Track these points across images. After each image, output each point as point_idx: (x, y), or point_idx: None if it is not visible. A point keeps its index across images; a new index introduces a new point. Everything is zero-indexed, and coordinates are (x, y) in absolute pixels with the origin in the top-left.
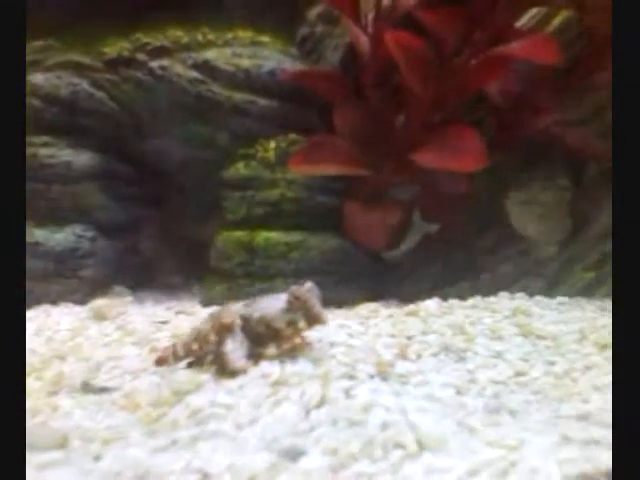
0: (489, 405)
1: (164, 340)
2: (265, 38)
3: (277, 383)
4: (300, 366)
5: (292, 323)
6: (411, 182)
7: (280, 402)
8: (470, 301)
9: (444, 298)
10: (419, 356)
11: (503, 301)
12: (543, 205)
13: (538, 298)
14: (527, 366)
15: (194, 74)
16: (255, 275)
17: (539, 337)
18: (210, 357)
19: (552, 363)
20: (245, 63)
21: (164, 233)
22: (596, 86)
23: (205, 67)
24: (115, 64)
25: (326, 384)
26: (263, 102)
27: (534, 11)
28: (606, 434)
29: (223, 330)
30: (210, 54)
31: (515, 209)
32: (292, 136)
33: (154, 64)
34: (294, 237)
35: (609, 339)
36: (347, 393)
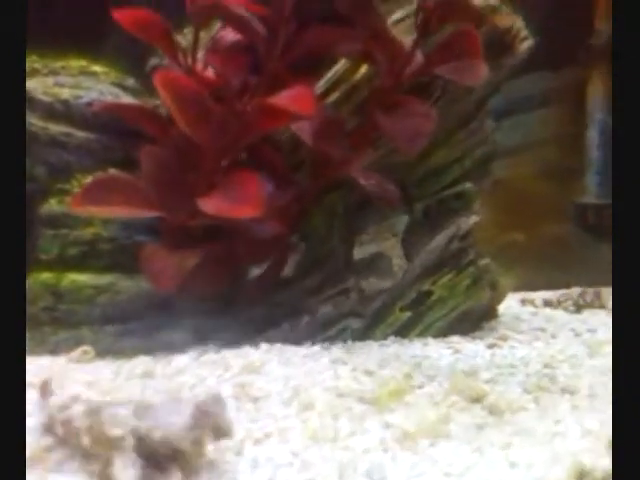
0: None
1: None
2: (98, 68)
3: None
4: None
5: (198, 442)
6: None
7: None
8: (223, 353)
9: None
10: None
11: (249, 353)
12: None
13: (286, 348)
14: None
15: None
16: (60, 321)
17: (254, 399)
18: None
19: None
20: (65, 93)
21: None
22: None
23: None
24: None
25: None
26: (81, 134)
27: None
28: None
29: (109, 445)
30: (30, 84)
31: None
32: (112, 170)
33: None
34: (103, 280)
35: (317, 398)
36: None
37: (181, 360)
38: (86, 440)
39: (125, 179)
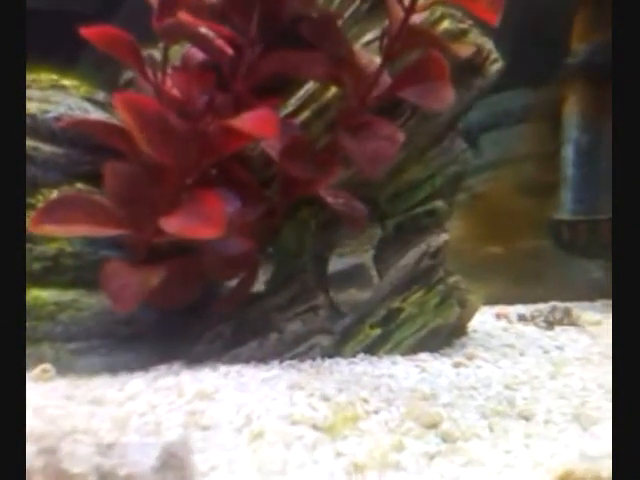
0: None
1: None
2: (68, 82)
3: None
4: None
5: None
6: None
7: None
8: (180, 377)
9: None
10: None
11: (206, 377)
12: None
13: (245, 371)
14: None
15: None
16: None
17: (204, 427)
18: None
19: None
20: (33, 108)
21: None
22: None
23: None
24: None
25: None
26: (47, 148)
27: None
28: None
29: None
30: None
31: None
32: (79, 185)
33: None
34: (66, 297)
35: (269, 427)
36: None
37: (136, 385)
38: None
39: (85, 197)
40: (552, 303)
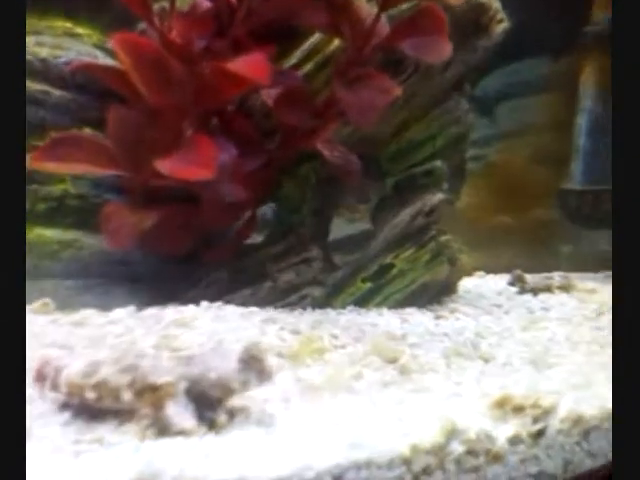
0: None
1: None
2: (81, 30)
3: None
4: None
5: (245, 384)
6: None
7: None
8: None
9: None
10: None
11: (187, 309)
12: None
13: (226, 307)
14: None
15: None
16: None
17: (174, 349)
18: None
19: None
20: (44, 52)
21: None
22: None
23: None
24: None
25: None
26: (58, 93)
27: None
28: None
29: (157, 394)
30: None
31: None
32: (86, 130)
33: None
34: (68, 236)
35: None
36: None
37: (119, 312)
38: (127, 395)
39: (87, 137)
40: (555, 273)
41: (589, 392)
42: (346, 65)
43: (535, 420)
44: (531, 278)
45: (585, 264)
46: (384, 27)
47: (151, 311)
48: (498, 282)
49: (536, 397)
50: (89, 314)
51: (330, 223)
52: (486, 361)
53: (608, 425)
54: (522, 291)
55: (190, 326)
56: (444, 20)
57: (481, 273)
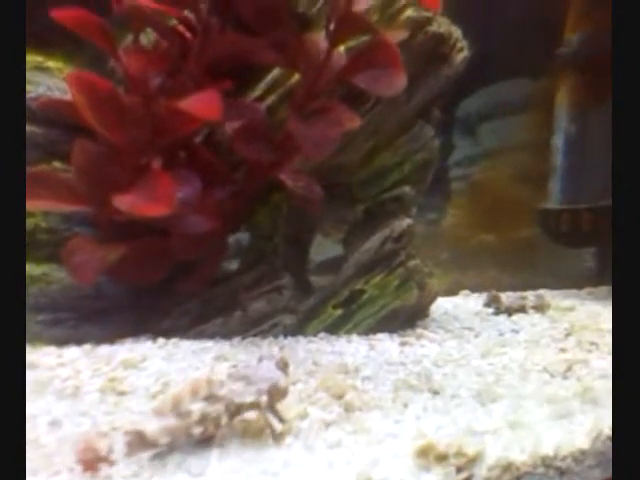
0: None
1: None
2: (53, 64)
3: None
4: None
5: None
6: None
7: None
8: (116, 347)
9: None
10: None
11: (141, 347)
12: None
13: (181, 343)
14: None
15: None
16: None
17: (119, 393)
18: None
19: None
20: None
21: None
22: None
23: None
24: None
25: None
26: (27, 128)
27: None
28: None
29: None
30: None
31: None
32: (56, 164)
33: None
34: (38, 270)
35: None
36: None
37: (72, 352)
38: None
39: (50, 173)
40: (532, 291)
41: (524, 432)
42: (302, 98)
43: (459, 470)
44: (506, 298)
45: (569, 281)
46: (341, 60)
47: (104, 350)
48: (479, 302)
49: (459, 445)
50: (44, 353)
51: (308, 249)
52: (435, 393)
53: (542, 471)
54: (497, 312)
55: (138, 367)
56: (397, 53)
57: (466, 292)
